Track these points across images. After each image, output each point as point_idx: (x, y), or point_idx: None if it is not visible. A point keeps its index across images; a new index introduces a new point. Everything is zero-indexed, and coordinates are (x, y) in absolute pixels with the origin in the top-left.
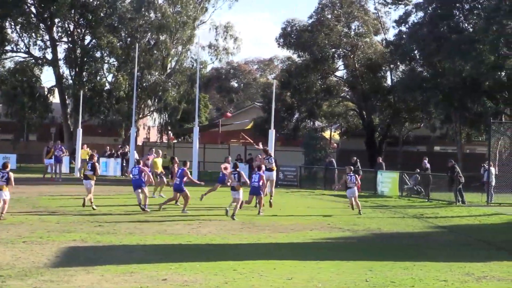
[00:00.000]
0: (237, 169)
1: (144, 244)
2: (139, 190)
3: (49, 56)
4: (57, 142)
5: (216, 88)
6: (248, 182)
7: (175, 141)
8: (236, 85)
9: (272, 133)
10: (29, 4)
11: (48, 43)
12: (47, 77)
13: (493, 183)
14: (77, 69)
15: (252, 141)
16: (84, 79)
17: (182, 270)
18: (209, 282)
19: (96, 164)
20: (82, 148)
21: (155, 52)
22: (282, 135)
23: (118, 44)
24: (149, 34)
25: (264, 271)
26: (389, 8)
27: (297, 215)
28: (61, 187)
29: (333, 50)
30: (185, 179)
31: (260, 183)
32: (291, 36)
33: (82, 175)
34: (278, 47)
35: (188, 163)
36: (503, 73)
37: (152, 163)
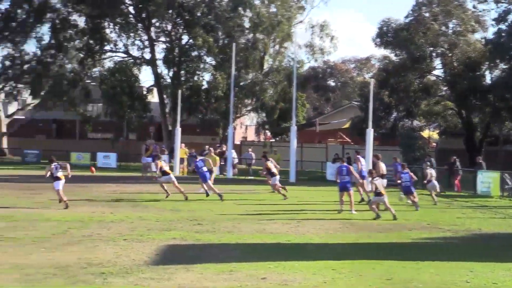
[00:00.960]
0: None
1: (243, 242)
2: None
3: (147, 55)
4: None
5: (313, 87)
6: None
7: (272, 140)
8: (333, 84)
9: (369, 132)
10: (127, 5)
11: (146, 43)
12: (145, 77)
13: None
14: (175, 69)
15: (349, 141)
16: (182, 79)
17: (281, 269)
18: (308, 282)
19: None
20: (180, 147)
21: (253, 51)
22: (379, 135)
23: (215, 43)
24: (246, 33)
25: (363, 271)
26: (487, 5)
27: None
28: (158, 186)
29: (431, 49)
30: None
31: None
32: (387, 35)
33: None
34: (375, 46)
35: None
36: None
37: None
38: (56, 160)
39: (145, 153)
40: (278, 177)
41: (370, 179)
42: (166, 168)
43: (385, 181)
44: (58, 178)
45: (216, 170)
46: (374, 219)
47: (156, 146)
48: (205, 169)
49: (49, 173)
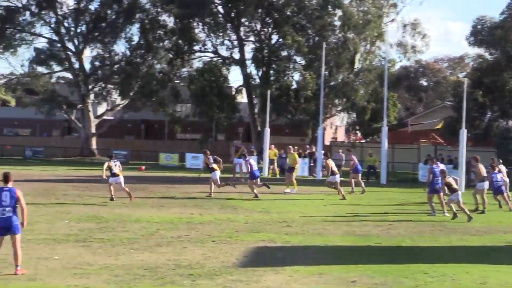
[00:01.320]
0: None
1: (332, 245)
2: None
3: (236, 55)
4: (237, 141)
5: (404, 87)
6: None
7: (363, 141)
8: (425, 83)
9: (463, 133)
10: (216, 4)
11: (235, 42)
12: (234, 77)
13: None
14: (264, 69)
15: (442, 141)
16: (271, 79)
17: (371, 272)
18: (399, 285)
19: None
20: (269, 148)
21: (343, 50)
22: (473, 135)
23: (305, 42)
24: (337, 32)
25: (456, 275)
26: None
27: (489, 218)
28: (247, 187)
29: None
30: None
31: None
32: (481, 33)
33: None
34: (469, 45)
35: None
36: None
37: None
38: (115, 157)
39: (235, 154)
40: (338, 176)
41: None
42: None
43: (486, 183)
44: (115, 175)
45: (298, 169)
46: (452, 219)
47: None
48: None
49: (106, 165)
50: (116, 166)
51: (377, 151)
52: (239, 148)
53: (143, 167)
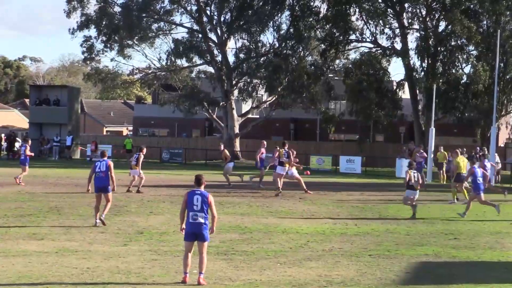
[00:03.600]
0: None
1: (506, 260)
2: None
3: (398, 45)
4: (411, 143)
5: None
6: None
7: None
8: None
9: None
10: None
11: (397, 31)
12: (395, 70)
13: None
14: (429, 60)
15: None
16: (438, 71)
17: None
18: None
19: None
20: (439, 150)
21: None
22: None
23: (478, 30)
24: None
25: None
26: None
27: None
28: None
29: None
30: None
31: None
32: None
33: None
34: None
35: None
36: None
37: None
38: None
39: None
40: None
41: None
42: None
43: None
44: (282, 164)
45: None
46: None
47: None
48: None
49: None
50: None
51: None
52: (413, 150)
53: (309, 172)
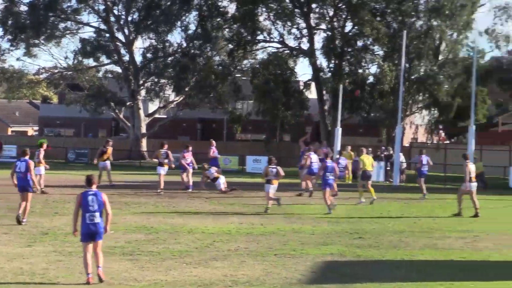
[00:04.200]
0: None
1: (410, 259)
2: None
3: (305, 46)
4: (323, 142)
5: (496, 80)
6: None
7: (447, 141)
8: None
9: None
10: None
11: (304, 31)
12: (303, 70)
13: None
14: (336, 60)
15: None
16: (345, 72)
17: None
18: None
19: None
20: (344, 149)
21: (426, 39)
22: None
23: (384, 30)
24: (421, 19)
25: None
26: None
27: None
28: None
29: None
30: None
31: None
32: None
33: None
34: None
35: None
36: None
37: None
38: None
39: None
40: (474, 184)
41: None
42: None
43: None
44: (162, 164)
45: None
46: None
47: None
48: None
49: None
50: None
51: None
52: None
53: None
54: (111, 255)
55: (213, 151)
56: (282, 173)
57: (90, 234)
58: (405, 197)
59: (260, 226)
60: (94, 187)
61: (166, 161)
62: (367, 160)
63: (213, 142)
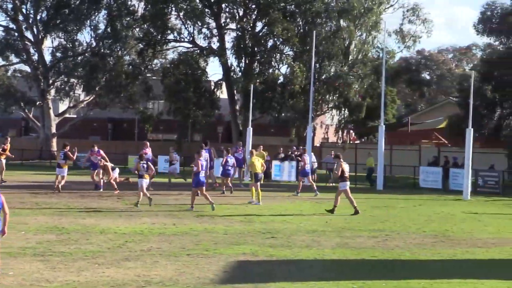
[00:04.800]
0: None
1: (322, 258)
2: None
3: (215, 45)
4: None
5: (405, 81)
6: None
7: (357, 141)
8: (428, 77)
9: (469, 132)
10: None
11: (214, 31)
12: (213, 70)
13: None
14: (246, 60)
15: (446, 142)
16: (255, 71)
17: None
18: None
19: None
20: (256, 149)
21: (336, 40)
22: (481, 135)
23: (295, 31)
24: (330, 20)
25: None
26: None
27: (499, 228)
28: (229, 195)
29: None
30: None
31: None
32: (491, 21)
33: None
34: (477, 34)
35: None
36: None
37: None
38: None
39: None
40: (347, 183)
41: None
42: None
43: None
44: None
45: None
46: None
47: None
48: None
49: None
50: (144, 168)
51: (373, 152)
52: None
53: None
54: (22, 256)
55: (145, 153)
56: (152, 169)
57: None
58: (317, 197)
59: (173, 226)
60: None
61: (63, 162)
62: (257, 162)
63: (147, 143)
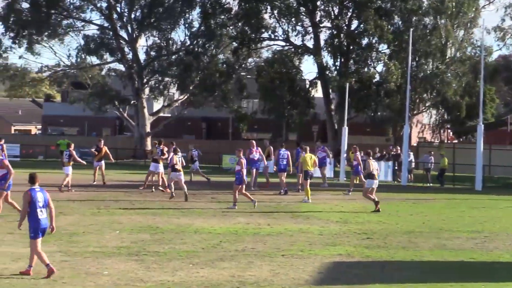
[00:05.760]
0: None
1: (419, 260)
2: None
3: (310, 44)
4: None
5: (504, 79)
6: None
7: (455, 141)
8: None
9: None
10: None
11: (309, 29)
12: (308, 68)
13: None
14: (342, 59)
15: None
16: (351, 70)
17: None
18: None
19: None
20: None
21: (433, 38)
22: None
23: (390, 29)
24: (426, 17)
25: None
26: None
27: None
28: (324, 194)
29: None
30: None
31: None
32: None
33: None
34: None
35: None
36: None
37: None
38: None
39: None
40: (376, 181)
41: None
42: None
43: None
44: (177, 170)
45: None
46: None
47: (323, 147)
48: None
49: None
50: (180, 161)
51: (471, 152)
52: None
53: None
54: (117, 256)
55: (252, 152)
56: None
57: (42, 229)
58: (413, 197)
59: (267, 226)
60: (37, 185)
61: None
62: (309, 160)
63: (254, 143)
